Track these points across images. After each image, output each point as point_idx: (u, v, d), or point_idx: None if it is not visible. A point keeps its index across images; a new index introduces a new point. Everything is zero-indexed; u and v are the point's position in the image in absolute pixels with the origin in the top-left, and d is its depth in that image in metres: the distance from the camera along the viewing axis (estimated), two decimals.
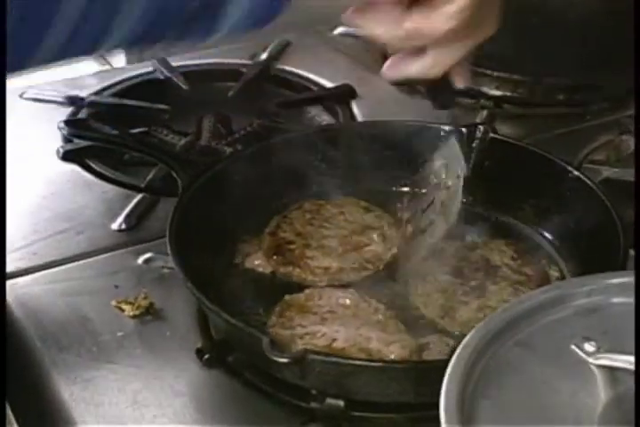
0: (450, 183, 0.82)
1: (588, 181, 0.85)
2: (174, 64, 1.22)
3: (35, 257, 0.89)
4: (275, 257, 0.85)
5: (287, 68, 1.23)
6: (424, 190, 0.88)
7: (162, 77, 1.20)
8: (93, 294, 0.84)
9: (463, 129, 0.89)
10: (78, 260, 0.89)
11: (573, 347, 0.56)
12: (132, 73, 1.22)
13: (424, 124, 0.92)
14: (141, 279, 0.86)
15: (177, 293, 0.82)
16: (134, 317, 0.81)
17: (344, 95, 1.16)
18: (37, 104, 1.15)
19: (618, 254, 0.76)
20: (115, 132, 0.99)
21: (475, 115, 1.10)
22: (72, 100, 1.15)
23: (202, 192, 0.85)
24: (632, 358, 0.55)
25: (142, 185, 0.99)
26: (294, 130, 1.06)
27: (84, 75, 1.23)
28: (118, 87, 1.18)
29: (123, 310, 0.82)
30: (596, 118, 1.12)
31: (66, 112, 1.13)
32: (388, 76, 0.73)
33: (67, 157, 1.03)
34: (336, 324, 0.77)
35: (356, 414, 0.73)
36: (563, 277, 0.84)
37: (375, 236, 0.87)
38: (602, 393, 0.54)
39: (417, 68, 0.71)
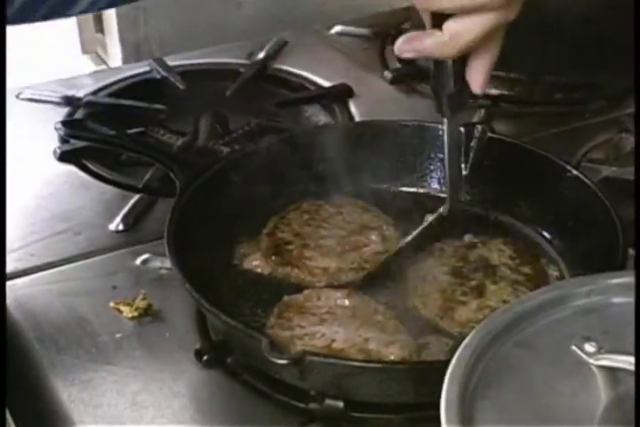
0: None
1: (587, 180, 0.85)
2: (171, 64, 1.21)
3: (32, 258, 0.89)
4: (273, 258, 0.85)
5: (284, 67, 1.23)
6: (421, 190, 0.87)
7: (158, 77, 1.20)
8: (91, 296, 0.84)
9: (461, 128, 0.89)
10: (76, 261, 0.89)
11: (574, 347, 0.56)
12: (129, 73, 1.21)
13: (422, 124, 0.92)
14: (139, 280, 0.86)
15: (175, 294, 0.82)
16: (133, 318, 0.81)
17: (341, 94, 1.16)
18: (34, 104, 1.15)
19: (617, 253, 0.76)
20: (112, 132, 0.99)
21: (472, 114, 1.10)
22: (68, 101, 1.15)
23: (200, 193, 0.85)
24: (632, 359, 0.54)
25: (140, 185, 0.99)
26: (292, 129, 1.06)
27: (80, 75, 1.23)
28: (115, 87, 1.18)
29: (121, 312, 0.81)
30: (594, 117, 1.11)
31: (62, 112, 1.13)
32: (401, 50, 0.71)
33: (64, 157, 1.03)
34: (335, 324, 0.76)
35: (356, 414, 0.72)
36: (562, 277, 0.84)
37: (374, 236, 0.87)
38: (602, 394, 0.54)
39: (431, 43, 0.69)
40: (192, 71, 1.22)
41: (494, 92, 1.13)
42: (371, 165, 0.92)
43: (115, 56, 1.40)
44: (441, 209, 0.84)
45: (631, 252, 0.78)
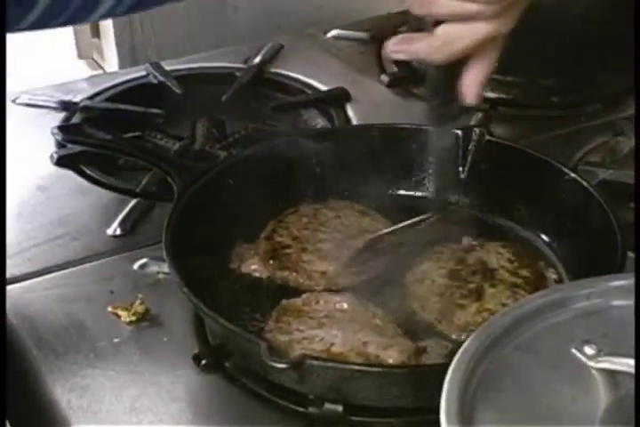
0: None
1: (585, 183, 0.85)
2: (167, 68, 1.21)
3: (30, 263, 0.89)
4: (271, 262, 0.85)
5: (281, 71, 1.23)
6: (419, 193, 0.87)
7: (155, 82, 1.20)
8: (89, 301, 0.84)
9: (459, 132, 0.89)
10: (73, 266, 0.89)
11: (574, 350, 0.56)
12: (126, 77, 1.21)
13: (419, 127, 0.92)
14: (137, 285, 0.85)
15: (173, 298, 0.82)
16: (130, 323, 0.81)
17: (338, 98, 1.16)
18: (30, 109, 1.15)
19: (615, 256, 0.76)
20: (108, 136, 0.99)
21: (470, 117, 1.09)
22: (65, 106, 1.14)
23: (197, 197, 0.85)
24: (632, 362, 0.54)
25: (137, 190, 0.99)
26: (289, 133, 1.06)
27: (76, 79, 1.23)
28: (112, 92, 1.18)
29: (119, 316, 0.81)
30: (590, 120, 1.11)
31: (59, 117, 1.13)
32: (392, 51, 0.71)
33: (61, 162, 1.03)
34: (334, 328, 0.76)
35: (355, 418, 0.72)
36: (560, 280, 0.84)
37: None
38: (602, 396, 0.54)
39: (422, 46, 0.69)
40: (189, 75, 1.22)
41: (491, 95, 1.13)
42: (368, 168, 0.92)
43: (111, 61, 1.40)
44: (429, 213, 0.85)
45: (630, 254, 0.78)
